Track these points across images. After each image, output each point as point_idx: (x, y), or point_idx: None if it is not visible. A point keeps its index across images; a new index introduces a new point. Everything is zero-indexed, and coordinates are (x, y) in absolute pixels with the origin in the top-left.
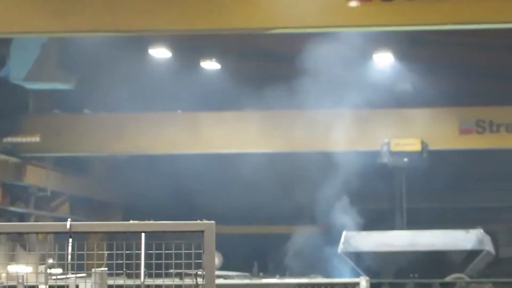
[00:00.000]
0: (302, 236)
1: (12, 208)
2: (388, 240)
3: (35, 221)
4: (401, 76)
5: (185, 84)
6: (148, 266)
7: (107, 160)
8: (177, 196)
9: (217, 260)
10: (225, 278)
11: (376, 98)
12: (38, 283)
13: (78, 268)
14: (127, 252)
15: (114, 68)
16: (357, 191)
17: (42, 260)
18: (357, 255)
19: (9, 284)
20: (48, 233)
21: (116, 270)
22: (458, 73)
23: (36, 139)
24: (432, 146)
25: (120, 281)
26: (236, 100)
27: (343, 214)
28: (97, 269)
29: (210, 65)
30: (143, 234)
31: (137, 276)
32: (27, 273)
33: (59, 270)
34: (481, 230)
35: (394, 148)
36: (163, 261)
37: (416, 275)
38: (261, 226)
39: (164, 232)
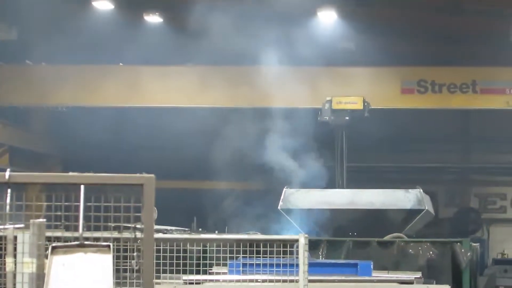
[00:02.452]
0: (242, 192)
1: None
2: (327, 198)
3: None
4: (345, 34)
5: (128, 37)
6: (87, 219)
7: (48, 111)
8: (118, 150)
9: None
10: (164, 233)
11: (319, 55)
12: None
13: (17, 219)
14: (66, 204)
15: (56, 19)
16: (298, 148)
17: None
18: (296, 212)
19: None
20: None
21: (54, 222)
22: (401, 33)
23: None
24: (374, 105)
25: (58, 233)
26: (178, 54)
27: (284, 171)
28: (35, 220)
29: (153, 18)
30: (82, 186)
31: (76, 228)
32: None
33: None
34: (421, 190)
35: (336, 106)
36: (101, 214)
37: (355, 233)
38: (201, 181)
39: (104, 184)
